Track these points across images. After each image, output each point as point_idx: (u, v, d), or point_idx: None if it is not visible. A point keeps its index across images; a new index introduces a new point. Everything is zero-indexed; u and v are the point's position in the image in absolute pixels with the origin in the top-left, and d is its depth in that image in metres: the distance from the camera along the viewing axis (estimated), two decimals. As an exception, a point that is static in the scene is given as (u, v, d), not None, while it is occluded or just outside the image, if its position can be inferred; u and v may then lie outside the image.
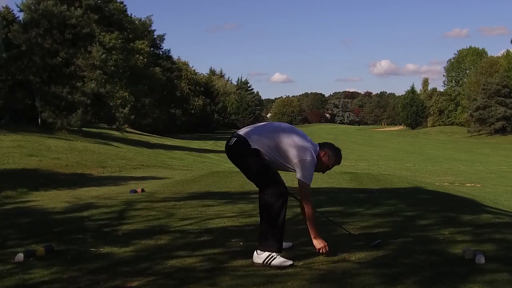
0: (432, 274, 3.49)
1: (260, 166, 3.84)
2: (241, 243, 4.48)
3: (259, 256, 3.78)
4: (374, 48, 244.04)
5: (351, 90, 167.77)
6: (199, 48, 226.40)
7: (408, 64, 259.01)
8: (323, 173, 4.16)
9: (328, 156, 4.02)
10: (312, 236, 3.92)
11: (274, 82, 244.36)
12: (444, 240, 4.50)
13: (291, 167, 3.90)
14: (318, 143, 4.08)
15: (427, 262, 3.78)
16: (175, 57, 62.12)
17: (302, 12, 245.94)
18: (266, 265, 3.73)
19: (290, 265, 3.70)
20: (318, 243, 3.90)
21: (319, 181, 10.64)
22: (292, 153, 3.84)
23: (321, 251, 3.89)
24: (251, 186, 9.25)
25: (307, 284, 3.31)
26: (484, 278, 3.39)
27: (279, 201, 3.77)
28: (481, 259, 3.73)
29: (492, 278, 3.38)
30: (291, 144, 3.85)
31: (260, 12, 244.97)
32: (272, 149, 3.86)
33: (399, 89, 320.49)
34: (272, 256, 3.74)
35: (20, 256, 3.95)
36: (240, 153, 3.90)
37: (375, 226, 5.25)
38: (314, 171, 3.95)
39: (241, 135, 3.93)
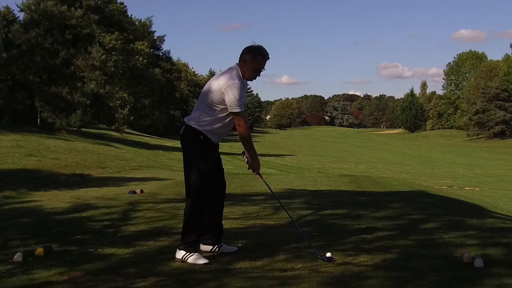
0: (438, 278, 3.45)
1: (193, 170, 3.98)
2: (240, 244, 4.45)
3: (179, 252, 3.96)
4: (378, 51, 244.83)
5: (351, 92, 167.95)
6: (199, 49, 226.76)
7: (409, 67, 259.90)
8: (255, 78, 4.12)
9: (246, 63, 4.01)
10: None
11: (275, 84, 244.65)
12: (450, 244, 4.46)
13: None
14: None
15: (433, 266, 3.74)
16: (175, 58, 62.23)
17: (302, 13, 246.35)
18: (183, 261, 3.89)
19: (205, 263, 3.84)
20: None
21: (319, 183, 10.60)
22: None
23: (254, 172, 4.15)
24: (250, 188, 9.25)
25: (316, 286, 3.27)
26: (490, 282, 3.36)
27: (195, 210, 3.98)
28: (479, 263, 3.69)
29: (499, 283, 3.35)
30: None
31: (261, 14, 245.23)
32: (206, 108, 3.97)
33: (399, 92, 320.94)
34: (190, 253, 3.91)
35: (19, 256, 3.90)
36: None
37: (380, 229, 5.19)
38: (251, 79, 4.07)
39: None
